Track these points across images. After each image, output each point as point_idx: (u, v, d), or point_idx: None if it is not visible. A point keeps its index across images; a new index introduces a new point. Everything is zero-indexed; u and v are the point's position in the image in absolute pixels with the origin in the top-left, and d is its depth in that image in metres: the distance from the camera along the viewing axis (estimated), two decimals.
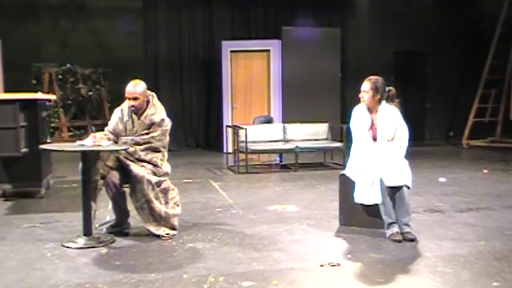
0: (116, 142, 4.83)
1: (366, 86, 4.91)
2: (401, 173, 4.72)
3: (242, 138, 9.03)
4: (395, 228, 4.66)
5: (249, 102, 12.07)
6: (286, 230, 5.07)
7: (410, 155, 5.05)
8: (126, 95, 4.81)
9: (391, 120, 4.88)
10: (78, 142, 4.67)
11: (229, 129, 10.51)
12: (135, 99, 4.78)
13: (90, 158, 4.61)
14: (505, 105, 12.75)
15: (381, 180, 4.68)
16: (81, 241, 4.52)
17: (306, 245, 4.58)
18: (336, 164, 9.42)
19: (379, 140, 4.88)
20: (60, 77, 12.06)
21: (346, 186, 5.08)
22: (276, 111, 11.85)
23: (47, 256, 4.26)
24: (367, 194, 4.77)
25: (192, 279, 3.71)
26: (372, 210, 4.86)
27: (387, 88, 4.97)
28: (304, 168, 9.11)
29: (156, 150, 4.83)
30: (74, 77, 12.20)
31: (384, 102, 4.94)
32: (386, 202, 4.69)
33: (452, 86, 13.68)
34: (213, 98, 12.50)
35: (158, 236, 4.69)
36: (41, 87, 11.42)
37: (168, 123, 4.92)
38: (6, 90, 9.96)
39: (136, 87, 4.80)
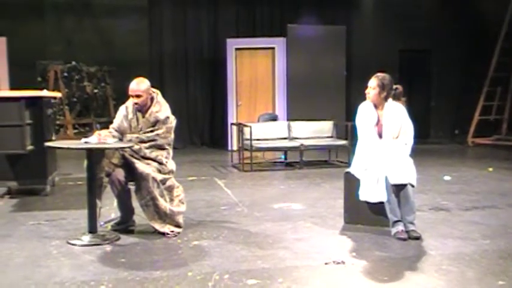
0: (120, 140, 4.84)
1: (373, 83, 4.90)
2: (406, 171, 4.71)
3: (247, 136, 9.02)
4: (400, 226, 4.65)
5: (254, 100, 12.07)
6: (291, 228, 5.07)
7: (415, 153, 5.04)
8: (130, 93, 4.81)
9: (397, 118, 4.87)
10: (83, 139, 4.68)
11: (234, 127, 10.52)
12: (138, 96, 4.78)
13: (95, 156, 4.61)
14: (510, 103, 12.71)
15: (386, 178, 4.67)
16: (86, 238, 4.53)
17: (311, 243, 4.58)
18: (341, 162, 9.41)
19: (385, 137, 4.86)
20: (65, 74, 12.11)
21: (351, 184, 5.07)
22: (280, 109, 11.84)
23: (52, 253, 4.27)
24: (372, 191, 4.76)
25: (197, 277, 3.71)
26: (377, 208, 4.84)
27: (394, 86, 4.96)
28: (309, 166, 9.10)
29: (161, 147, 4.83)
30: (79, 75, 12.26)
31: (390, 99, 4.93)
32: (391, 200, 4.68)
33: (457, 84, 13.63)
34: (218, 96, 12.52)
35: (163, 234, 4.70)
36: (47, 84, 11.47)
37: (172, 121, 4.92)
38: (12, 88, 10.01)
39: (139, 84, 4.80)
